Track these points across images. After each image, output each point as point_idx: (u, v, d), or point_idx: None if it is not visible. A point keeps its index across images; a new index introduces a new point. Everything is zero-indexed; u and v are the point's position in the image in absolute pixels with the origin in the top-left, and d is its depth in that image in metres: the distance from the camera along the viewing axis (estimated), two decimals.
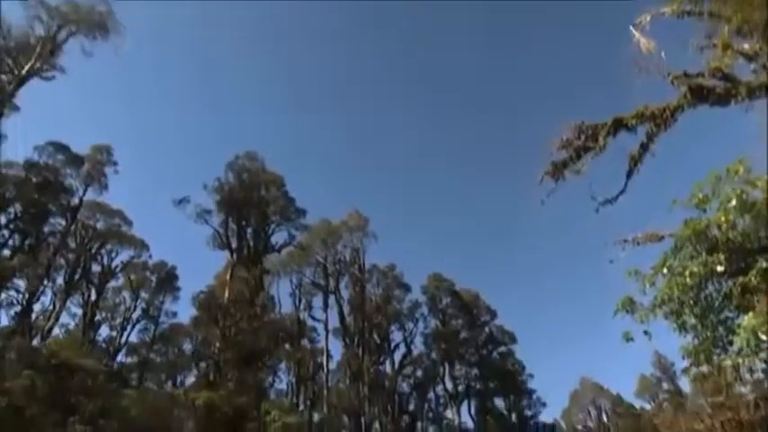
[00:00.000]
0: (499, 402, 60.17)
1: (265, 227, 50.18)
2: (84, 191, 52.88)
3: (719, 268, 7.63)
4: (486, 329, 62.03)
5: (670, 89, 9.33)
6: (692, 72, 8.36)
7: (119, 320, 60.93)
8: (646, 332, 8.68)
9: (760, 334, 6.74)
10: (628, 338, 8.93)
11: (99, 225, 57.03)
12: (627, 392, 79.48)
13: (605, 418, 73.42)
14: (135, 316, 60.87)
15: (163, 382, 55.37)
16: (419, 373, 57.92)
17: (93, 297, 56.85)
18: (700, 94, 8.20)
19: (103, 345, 58.91)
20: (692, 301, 8.09)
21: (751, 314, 6.90)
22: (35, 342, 41.02)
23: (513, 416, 59.37)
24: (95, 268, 57.14)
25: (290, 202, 54.73)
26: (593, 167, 10.64)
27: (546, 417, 65.46)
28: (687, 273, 7.89)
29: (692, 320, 8.68)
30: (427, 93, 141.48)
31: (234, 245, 45.49)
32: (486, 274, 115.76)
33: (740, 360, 7.48)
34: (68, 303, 55.44)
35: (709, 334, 8.16)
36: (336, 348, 60.93)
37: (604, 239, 10.44)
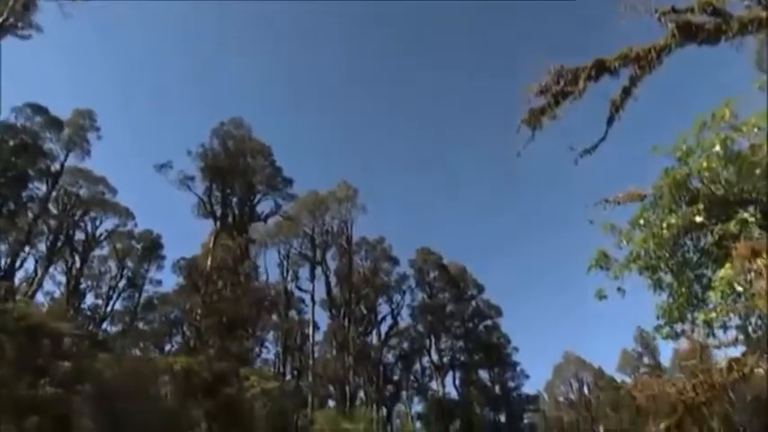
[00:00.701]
0: (483, 374, 61.02)
1: (251, 195, 49.41)
2: (66, 156, 51.69)
3: (698, 219, 7.15)
4: (473, 303, 62.34)
5: (660, 35, 8.68)
6: (681, 8, 7.72)
7: (104, 289, 60.58)
8: (619, 289, 8.27)
9: (736, 285, 6.32)
10: (601, 296, 8.51)
11: (82, 192, 56.01)
12: (609, 367, 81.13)
13: (587, 391, 74.90)
14: (121, 285, 60.56)
15: (147, 349, 55.32)
16: (405, 344, 58.37)
17: (78, 265, 56.35)
18: (688, 32, 7.56)
19: (88, 312, 58.57)
20: (667, 254, 7.64)
21: (728, 265, 6.47)
22: None
23: (497, 387, 60.29)
24: (79, 236, 56.47)
25: (277, 171, 53.87)
26: (574, 121, 10.05)
27: (529, 389, 66.68)
28: (665, 225, 7.41)
29: (668, 278, 8.28)
30: (420, 62, 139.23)
31: (218, 212, 44.77)
32: (475, 249, 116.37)
33: (714, 315, 7.10)
34: (53, 271, 54.94)
35: (684, 290, 7.76)
36: (324, 319, 61.21)
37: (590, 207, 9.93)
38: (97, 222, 57.80)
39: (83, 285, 58.68)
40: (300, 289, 58.46)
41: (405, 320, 59.49)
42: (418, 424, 57.26)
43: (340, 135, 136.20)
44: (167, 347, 55.06)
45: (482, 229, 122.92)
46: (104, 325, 58.12)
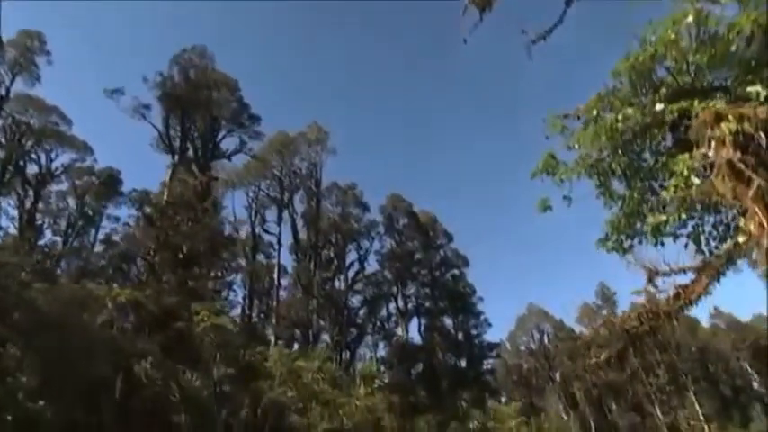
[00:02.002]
0: (448, 321, 62.03)
1: (214, 131, 46.92)
2: (12, 80, 48.23)
3: (659, 107, 6.05)
4: (441, 252, 62.45)
5: None
6: None
7: (63, 226, 58.40)
8: (565, 197, 7.25)
9: (693, 178, 5.34)
10: (544, 207, 7.50)
11: (32, 122, 52.58)
12: (571, 319, 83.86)
13: (547, 341, 77.70)
14: (80, 222, 58.41)
15: (109, 286, 53.92)
16: (371, 290, 58.45)
17: (32, 199, 53.83)
18: None
19: (46, 249, 56.46)
20: (620, 152, 6.59)
21: (687, 155, 5.46)
22: None
23: (460, 334, 61.53)
24: (32, 169, 53.61)
25: (244, 107, 51.18)
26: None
27: (492, 338, 68.44)
28: (620, 117, 6.30)
29: (621, 189, 7.31)
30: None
31: (176, 145, 42.33)
32: (448, 199, 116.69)
33: (664, 218, 6.18)
34: (5, 206, 52.39)
35: (636, 196, 6.79)
36: (291, 263, 60.48)
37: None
38: (52, 156, 54.91)
39: (40, 222, 56.47)
40: (267, 232, 57.31)
41: (372, 266, 59.42)
42: (382, 367, 58.40)
43: (311, 77, 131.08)
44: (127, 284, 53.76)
45: (455, 176, 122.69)
46: (62, 262, 56.44)
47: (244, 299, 59.42)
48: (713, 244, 6.66)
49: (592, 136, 6.52)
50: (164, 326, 25.77)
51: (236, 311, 55.19)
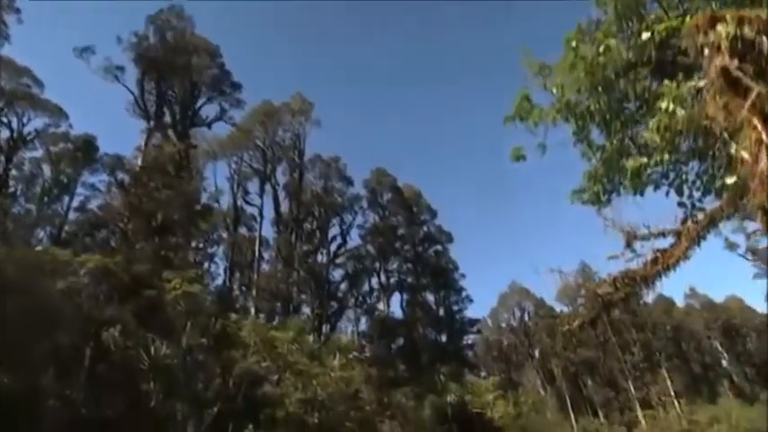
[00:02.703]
0: (429, 297, 62.13)
1: (193, 97, 45.21)
2: None
3: (645, 35, 5.41)
4: (425, 228, 62.11)
5: None
6: None
7: (38, 193, 56.75)
8: (540, 144, 6.64)
9: (678, 110, 4.74)
10: (517, 156, 6.88)
11: (2, 83, 50.29)
12: (551, 296, 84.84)
13: (527, 319, 78.76)
14: (55, 190, 56.72)
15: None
16: (353, 264, 58.07)
17: (3, 164, 52.00)
18: None
19: (20, 216, 54.88)
20: (600, 89, 5.94)
21: (674, 83, 4.85)
22: None
23: (441, 310, 61.76)
24: (4, 133, 51.64)
25: (225, 74, 49.38)
26: None
27: (474, 314, 68.93)
28: (601, 49, 5.65)
29: (600, 139, 6.71)
30: None
31: (152, 110, 40.65)
32: (437, 176, 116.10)
33: (645, 160, 5.62)
34: None
35: (615, 142, 6.20)
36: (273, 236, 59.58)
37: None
38: (24, 120, 52.87)
39: (12, 189, 54.84)
40: (249, 203, 56.27)
41: (354, 240, 58.95)
42: (363, 341, 58.45)
43: (295, 48, 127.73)
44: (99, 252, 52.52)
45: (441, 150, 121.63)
46: (38, 230, 55.02)
47: (225, 271, 58.77)
48: (696, 195, 6.15)
49: (567, 66, 5.85)
50: (135, 294, 25.00)
51: (218, 283, 54.80)
